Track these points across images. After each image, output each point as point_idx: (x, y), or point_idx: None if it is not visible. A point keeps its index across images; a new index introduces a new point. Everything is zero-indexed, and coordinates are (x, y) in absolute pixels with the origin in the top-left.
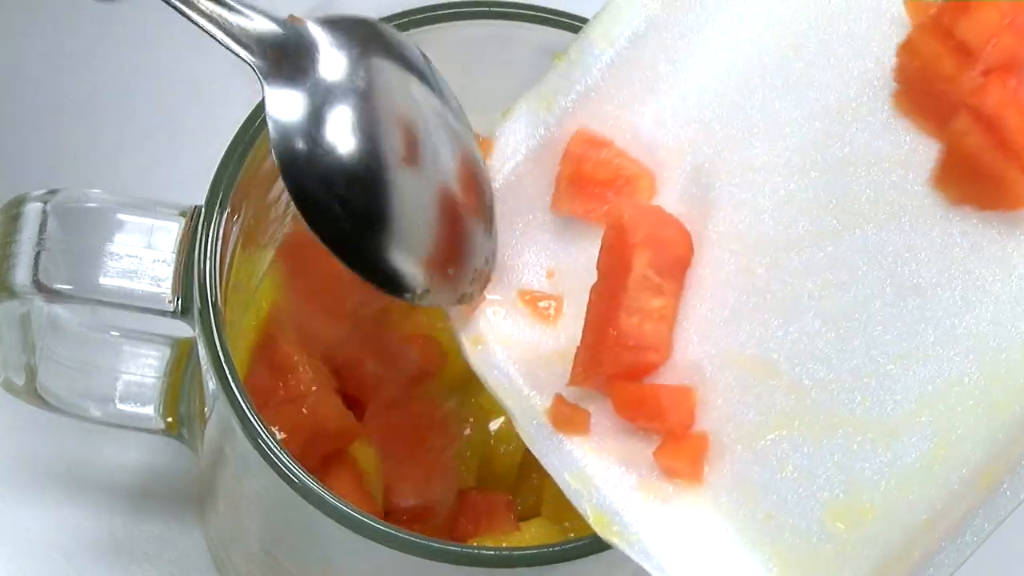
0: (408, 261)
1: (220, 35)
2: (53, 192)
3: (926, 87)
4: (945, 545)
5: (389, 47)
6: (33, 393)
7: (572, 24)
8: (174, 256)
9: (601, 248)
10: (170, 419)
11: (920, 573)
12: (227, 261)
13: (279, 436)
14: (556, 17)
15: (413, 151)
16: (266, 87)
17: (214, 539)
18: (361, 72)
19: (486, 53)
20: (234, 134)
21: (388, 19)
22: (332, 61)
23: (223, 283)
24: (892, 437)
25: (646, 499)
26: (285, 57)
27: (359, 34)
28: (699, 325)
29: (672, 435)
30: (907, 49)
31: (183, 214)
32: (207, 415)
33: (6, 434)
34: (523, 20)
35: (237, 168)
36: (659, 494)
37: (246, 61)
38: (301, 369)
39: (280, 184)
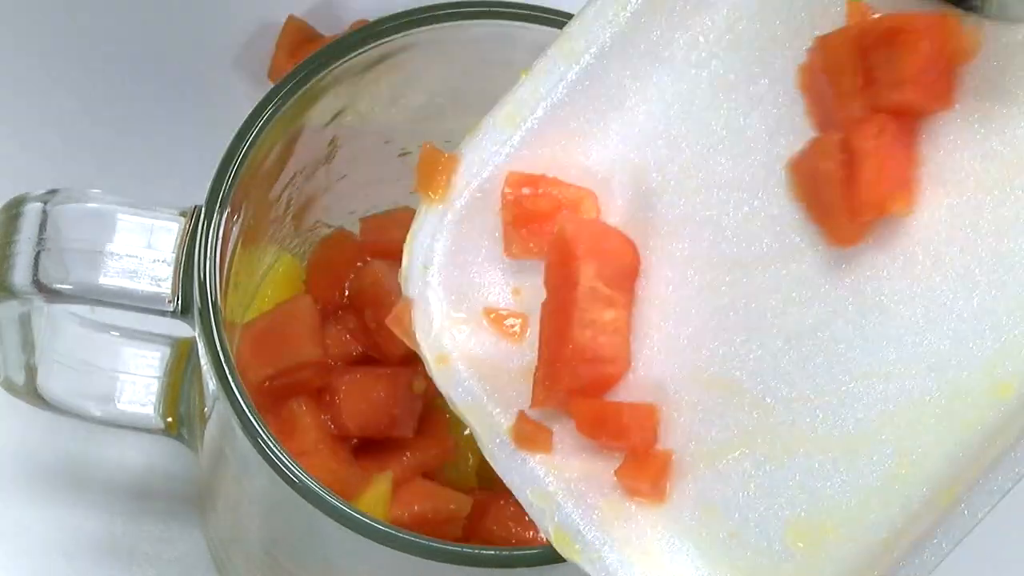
0: None
1: None
2: (53, 192)
3: (822, 84)
4: (903, 564)
5: None
6: (33, 393)
7: None
8: (174, 256)
9: (546, 266)
10: (170, 419)
11: None
12: (227, 261)
13: None
14: (556, 17)
15: None
16: None
17: (214, 539)
18: None
19: (486, 53)
20: (234, 134)
21: (388, 19)
22: None
23: (223, 283)
24: (853, 455)
25: (608, 517)
26: None
27: None
28: (662, 343)
29: (634, 453)
30: (823, 44)
31: (183, 214)
32: (207, 415)
33: (6, 434)
34: (523, 20)
35: (237, 168)
36: (621, 512)
37: None
38: (303, 427)
39: (280, 183)
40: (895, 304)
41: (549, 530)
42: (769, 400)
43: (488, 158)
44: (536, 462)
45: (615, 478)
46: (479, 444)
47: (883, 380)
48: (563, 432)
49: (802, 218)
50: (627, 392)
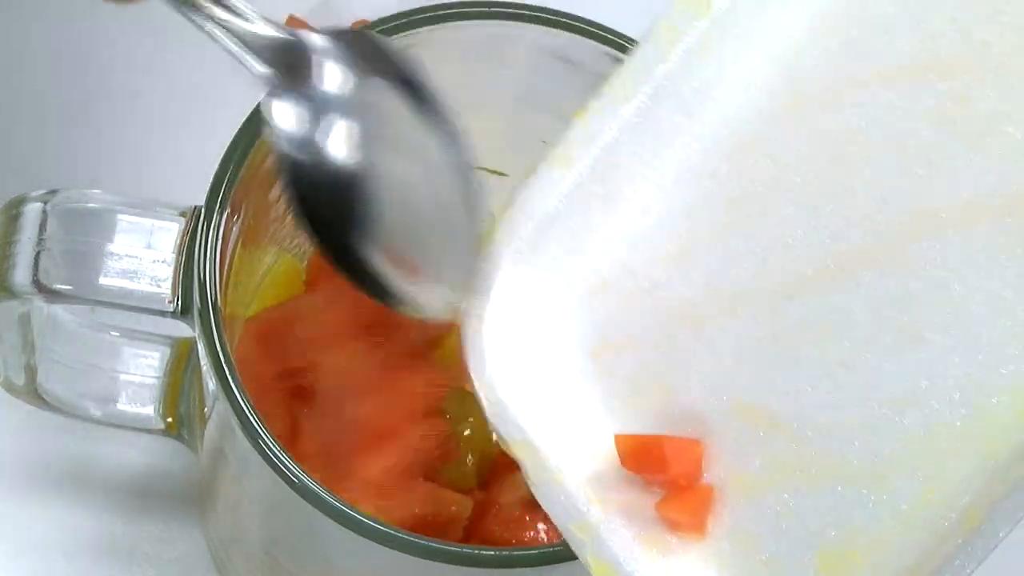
0: (392, 269)
1: (230, 44)
2: (53, 192)
3: None
4: None
5: (388, 63)
6: (33, 393)
7: (572, 24)
8: (174, 256)
9: None
10: (170, 419)
11: None
12: (227, 261)
13: None
14: (556, 17)
15: (405, 166)
16: (272, 98)
17: (214, 539)
18: (360, 87)
19: (486, 53)
20: (234, 134)
21: (388, 19)
22: (334, 74)
23: (223, 283)
24: (884, 483)
25: (648, 551)
26: (288, 67)
27: (360, 47)
28: (703, 376)
29: (676, 487)
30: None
31: (183, 214)
32: (207, 415)
33: (6, 434)
34: (523, 20)
35: (237, 168)
36: (661, 546)
37: (252, 71)
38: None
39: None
40: (930, 332)
41: (589, 562)
42: (808, 432)
43: (542, 200)
44: (579, 495)
45: (656, 512)
46: (525, 478)
47: (914, 408)
48: (607, 465)
49: (842, 249)
50: (670, 425)
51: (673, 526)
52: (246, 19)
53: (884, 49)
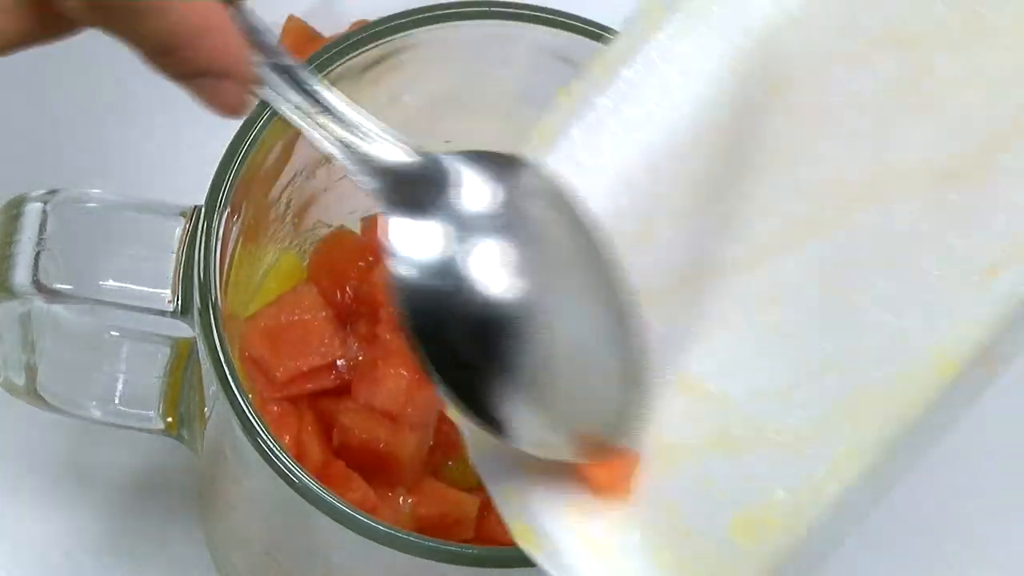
0: (534, 419)
1: (348, 164)
2: (53, 192)
3: None
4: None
5: (537, 185)
6: (33, 393)
7: (572, 24)
8: (174, 256)
9: None
10: (170, 419)
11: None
12: (227, 261)
13: None
14: (556, 17)
15: (559, 301)
16: (391, 215)
17: (213, 539)
18: (504, 209)
19: (486, 53)
20: (234, 134)
21: (388, 19)
22: (472, 194)
23: (223, 283)
24: (805, 447)
25: (569, 512)
26: (416, 185)
27: (503, 168)
28: (652, 350)
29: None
30: None
31: (183, 214)
32: (207, 415)
33: (6, 434)
34: (523, 20)
35: (237, 168)
36: (584, 508)
37: (369, 189)
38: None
39: (280, 183)
40: (864, 302)
41: (511, 523)
42: (732, 397)
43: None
44: (506, 455)
45: (581, 472)
46: (465, 443)
47: (840, 373)
48: None
49: (792, 221)
50: None
51: (597, 487)
52: (369, 138)
53: (860, 24)
